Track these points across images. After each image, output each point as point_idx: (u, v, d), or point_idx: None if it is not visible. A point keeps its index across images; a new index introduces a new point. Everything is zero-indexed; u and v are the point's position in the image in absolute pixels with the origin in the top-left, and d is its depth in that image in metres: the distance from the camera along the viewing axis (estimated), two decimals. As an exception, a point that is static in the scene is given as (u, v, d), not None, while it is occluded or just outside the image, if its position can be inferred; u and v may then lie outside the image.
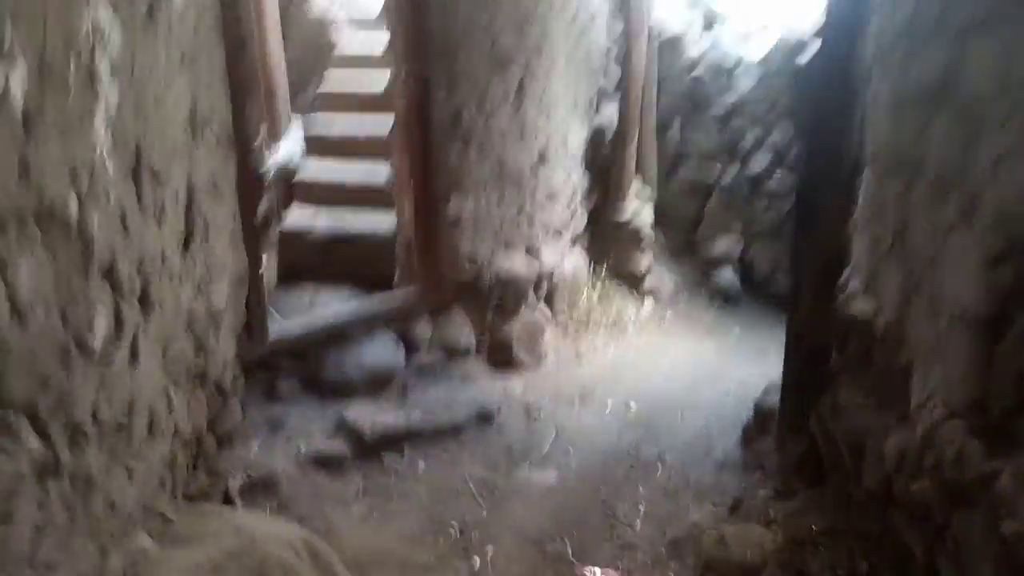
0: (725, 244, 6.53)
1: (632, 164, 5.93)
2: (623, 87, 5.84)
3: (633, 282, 6.11)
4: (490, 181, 4.64)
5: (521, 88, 4.73)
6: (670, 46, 6.30)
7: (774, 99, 6.14)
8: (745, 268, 6.50)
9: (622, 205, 5.99)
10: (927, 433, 2.11)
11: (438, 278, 4.49)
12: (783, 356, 3.30)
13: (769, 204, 6.40)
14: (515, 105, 4.74)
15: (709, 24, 6.51)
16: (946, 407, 2.08)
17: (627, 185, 5.97)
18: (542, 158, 5.07)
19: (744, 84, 6.26)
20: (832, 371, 2.92)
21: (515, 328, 4.81)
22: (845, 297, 2.79)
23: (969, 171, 2.04)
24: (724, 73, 6.25)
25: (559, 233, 5.41)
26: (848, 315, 2.83)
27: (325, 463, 3.52)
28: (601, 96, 5.94)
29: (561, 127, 5.26)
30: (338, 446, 3.57)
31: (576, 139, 5.52)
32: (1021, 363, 1.82)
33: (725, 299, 6.45)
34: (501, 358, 4.72)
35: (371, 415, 3.78)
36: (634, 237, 6.08)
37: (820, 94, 2.97)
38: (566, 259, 5.44)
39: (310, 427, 3.74)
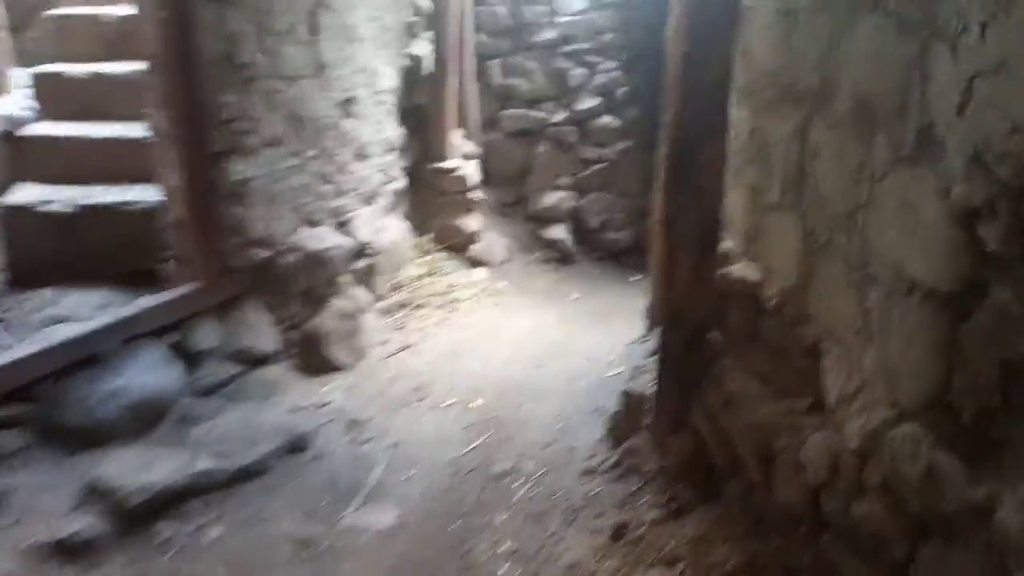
0: (555, 198, 6.02)
1: (453, 112, 5.13)
2: (436, 19, 4.95)
3: (462, 250, 5.35)
4: (283, 137, 3.63)
5: (316, 11, 3.73)
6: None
7: (604, 27, 5.75)
8: (578, 223, 6.05)
9: (444, 161, 5.15)
10: (867, 439, 1.75)
11: (221, 265, 3.46)
12: (658, 334, 2.77)
13: (600, 151, 5.92)
14: (310, 34, 3.73)
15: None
16: (892, 405, 1.68)
17: (448, 137, 5.17)
18: (348, 106, 4.13)
19: (570, 8, 5.67)
20: (714, 352, 2.56)
21: (327, 320, 3.93)
22: (722, 261, 2.49)
23: (918, 96, 1.58)
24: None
25: (373, 198, 4.53)
26: (728, 283, 2.48)
27: (70, 552, 2.48)
28: (411, 30, 5.02)
29: (368, 66, 4.32)
30: (88, 523, 2.55)
31: (387, 82, 4.63)
32: (1002, 347, 1.38)
33: (560, 259, 5.98)
34: (313, 361, 3.83)
35: (136, 469, 2.77)
36: (460, 197, 5.40)
37: (695, 9, 2.33)
38: (383, 230, 4.57)
39: (45, 501, 2.65)
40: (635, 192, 6.02)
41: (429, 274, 5.03)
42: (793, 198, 2.10)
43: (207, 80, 3.33)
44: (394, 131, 4.91)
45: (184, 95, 3.30)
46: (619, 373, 3.71)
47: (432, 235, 5.33)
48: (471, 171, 5.44)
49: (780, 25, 2.15)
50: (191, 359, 3.35)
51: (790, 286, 2.10)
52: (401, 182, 5.12)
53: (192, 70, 3.27)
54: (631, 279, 5.44)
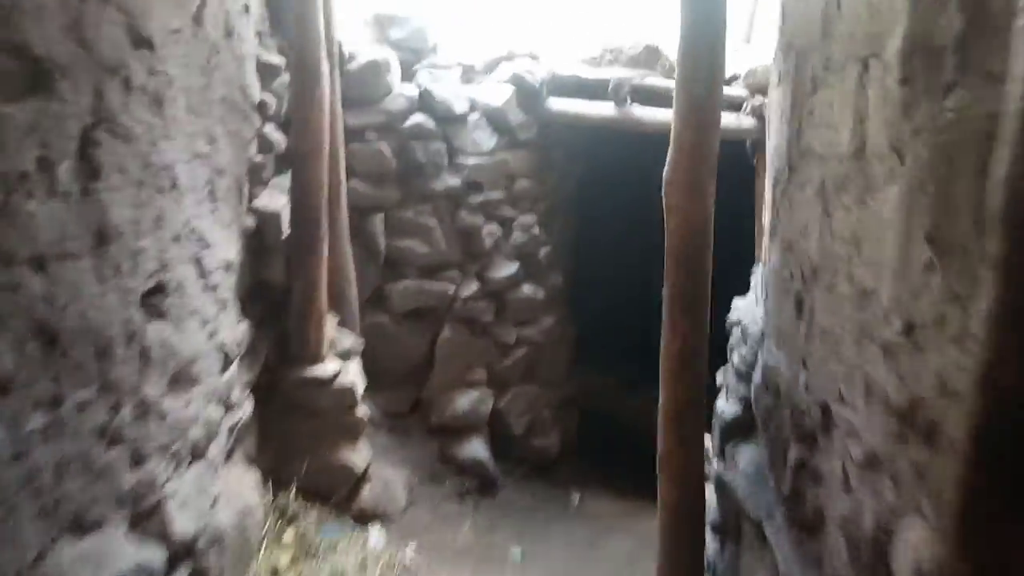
0: (468, 400, 4.64)
1: (323, 291, 3.61)
2: (294, 158, 3.48)
3: (346, 502, 3.60)
4: (20, 373, 1.70)
5: (92, 137, 1.92)
6: (361, 82, 4.19)
7: (517, 171, 4.68)
8: (498, 430, 4.76)
9: (314, 365, 3.60)
10: None
11: None
12: None
13: (521, 331, 4.83)
14: (82, 179, 1.90)
15: (414, 60, 4.56)
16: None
17: (319, 329, 3.61)
18: (155, 300, 2.34)
19: (477, 147, 4.50)
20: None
21: None
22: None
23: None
24: (445, 134, 4.44)
25: (200, 452, 2.66)
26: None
27: None
28: (258, 175, 3.39)
29: (192, 231, 2.55)
30: None
31: (222, 254, 2.93)
32: None
33: (480, 488, 4.50)
34: None
35: None
36: (340, 419, 3.73)
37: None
38: (219, 504, 2.61)
39: None
40: (561, 379, 5.17)
41: (295, 561, 3.00)
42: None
43: None
44: (234, 330, 3.08)
45: None
46: None
47: (298, 484, 3.46)
48: (354, 377, 3.72)
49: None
50: None
51: None
52: (246, 407, 3.21)
53: None
54: (572, 503, 4.58)
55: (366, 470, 3.79)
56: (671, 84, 2.57)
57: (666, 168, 2.48)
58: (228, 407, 3.11)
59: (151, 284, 2.46)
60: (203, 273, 2.85)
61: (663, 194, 2.50)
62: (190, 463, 2.74)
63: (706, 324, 2.57)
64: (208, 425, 2.86)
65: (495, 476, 4.55)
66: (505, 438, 4.79)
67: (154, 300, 2.50)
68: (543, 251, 4.95)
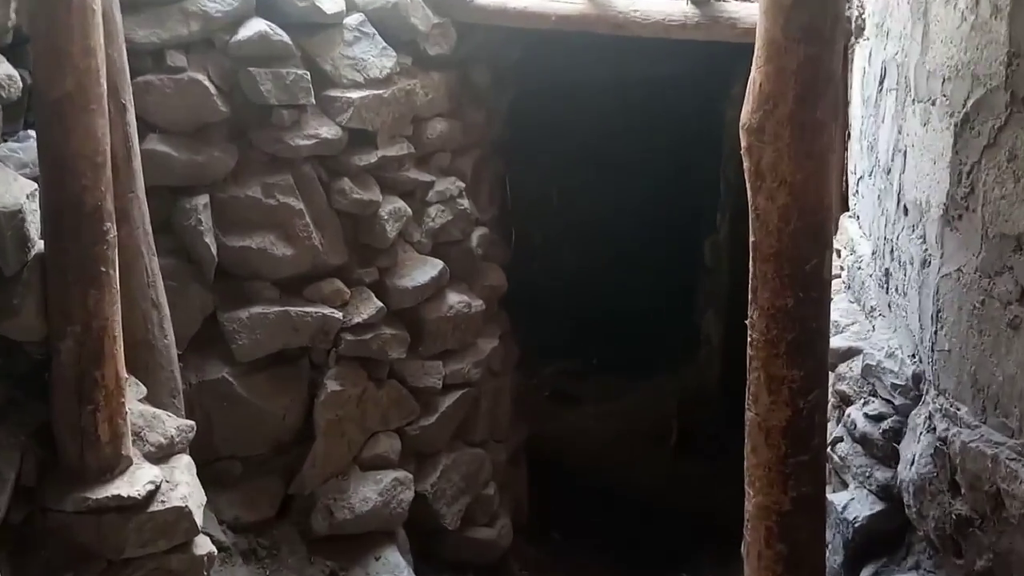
0: (371, 490, 4.45)
1: (113, 345, 3.17)
2: (40, 109, 3.08)
3: None
4: None
5: None
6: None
7: (432, 107, 4.58)
8: (423, 528, 4.69)
9: (106, 483, 3.16)
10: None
11: None
12: None
13: (449, 369, 4.76)
14: None
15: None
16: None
17: (111, 415, 3.15)
18: None
19: (365, 71, 4.27)
20: None
21: None
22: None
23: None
24: (307, 54, 4.20)
25: None
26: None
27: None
28: None
29: None
30: None
31: None
32: None
33: None
34: None
35: None
36: (164, 567, 3.21)
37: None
38: None
39: None
40: (508, 429, 5.22)
41: None
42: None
43: None
44: None
45: None
46: None
47: None
48: (184, 490, 3.24)
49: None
50: None
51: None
52: None
53: None
54: None
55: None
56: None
57: (747, 103, 2.23)
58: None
59: None
60: None
61: (743, 151, 2.25)
62: None
63: (827, 373, 2.39)
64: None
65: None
66: (433, 535, 4.63)
67: None
68: (476, 234, 4.81)
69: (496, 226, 5.07)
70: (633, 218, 7.21)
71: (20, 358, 3.08)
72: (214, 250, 4.01)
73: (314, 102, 4.14)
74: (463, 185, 4.69)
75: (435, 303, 4.54)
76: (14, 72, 3.12)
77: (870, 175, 3.10)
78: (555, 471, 5.79)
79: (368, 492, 4.30)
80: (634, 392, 7.12)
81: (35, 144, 3.08)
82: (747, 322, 2.35)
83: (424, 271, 4.48)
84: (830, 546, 2.73)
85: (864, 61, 3.30)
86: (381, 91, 4.23)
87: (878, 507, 2.62)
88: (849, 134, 3.54)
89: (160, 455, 3.30)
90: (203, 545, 3.26)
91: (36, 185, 3.03)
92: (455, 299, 4.62)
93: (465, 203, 4.70)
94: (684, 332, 7.06)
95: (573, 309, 7.06)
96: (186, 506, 3.16)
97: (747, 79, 2.25)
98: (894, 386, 2.59)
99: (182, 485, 3.25)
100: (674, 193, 7.07)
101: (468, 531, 4.75)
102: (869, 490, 2.67)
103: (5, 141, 3.20)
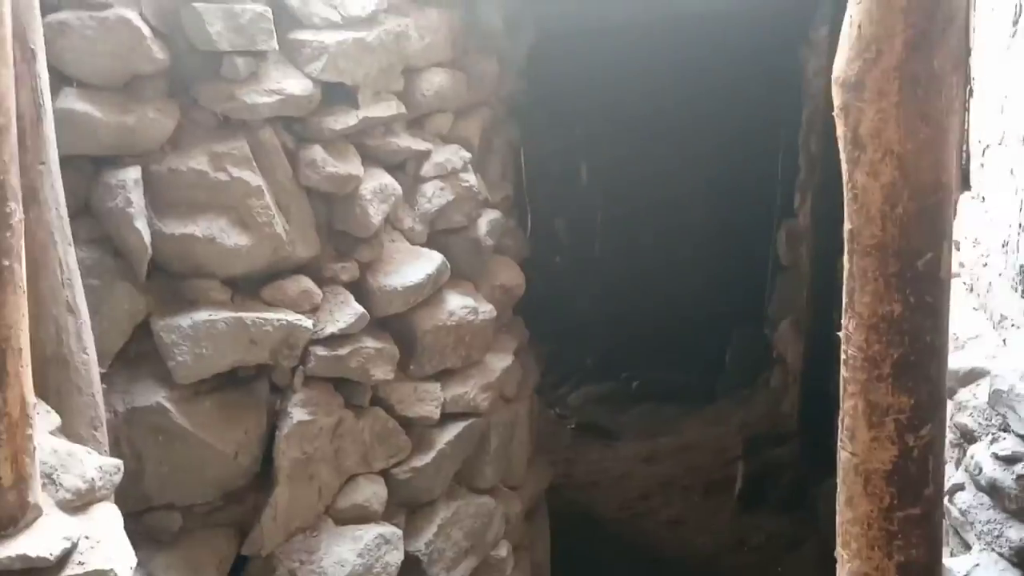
0: (349, 551, 4.42)
1: (18, 362, 3.18)
2: None
3: None
4: None
5: None
6: None
7: (428, 53, 4.64)
8: None
9: (13, 537, 3.13)
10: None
11: None
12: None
13: (448, 395, 4.79)
14: None
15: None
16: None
17: (13, 454, 3.15)
18: None
19: (342, 6, 4.35)
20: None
21: None
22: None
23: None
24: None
25: None
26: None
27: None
28: None
29: None
30: None
31: None
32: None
33: None
34: None
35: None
36: None
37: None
38: None
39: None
40: (523, 471, 5.31)
41: None
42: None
43: None
44: None
45: None
46: None
47: None
48: (114, 548, 3.24)
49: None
50: None
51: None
52: None
53: None
54: None
55: None
56: None
57: (841, 50, 2.24)
58: None
59: None
60: None
61: (836, 112, 2.26)
62: None
63: (944, 402, 2.46)
64: None
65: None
66: None
67: None
68: (485, 220, 4.83)
69: (510, 209, 5.01)
70: (684, 201, 7.18)
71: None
72: (147, 239, 3.97)
73: (277, 47, 4.12)
74: (468, 156, 4.68)
75: (431, 308, 4.54)
76: None
77: (1000, 144, 3.09)
78: (584, 527, 5.78)
79: (344, 553, 4.29)
80: (686, 425, 7.14)
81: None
82: (839, 334, 2.35)
83: (417, 267, 4.46)
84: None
85: (992, -2, 3.29)
86: (363, 33, 4.22)
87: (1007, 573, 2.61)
88: (971, 91, 3.53)
89: (78, 503, 3.29)
90: (132, 624, 3.30)
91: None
92: (457, 303, 4.60)
93: (471, 179, 4.67)
94: (751, 348, 7.05)
95: (608, 318, 7.03)
96: (111, 569, 3.14)
97: (836, 17, 2.23)
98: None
99: (105, 542, 3.22)
100: (737, 169, 7.04)
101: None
102: (999, 554, 2.64)
103: None
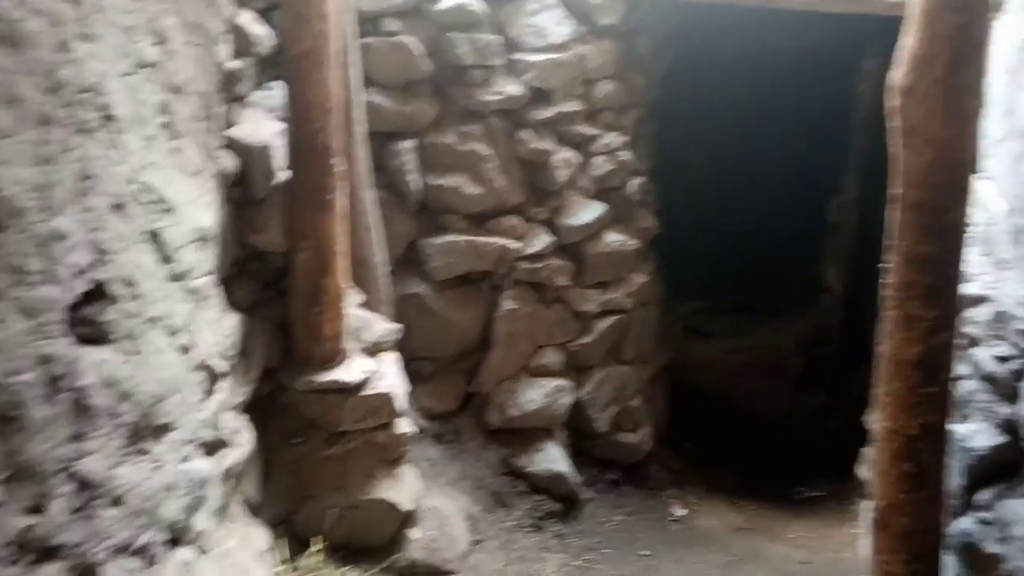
0: (540, 392, 4.29)
1: (338, 260, 3.14)
2: (287, 63, 3.04)
3: (386, 553, 3.16)
4: None
5: None
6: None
7: (598, 71, 4.35)
8: (579, 428, 4.53)
9: (334, 366, 3.19)
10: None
11: None
12: None
13: (607, 296, 4.55)
14: None
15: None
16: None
17: (334, 317, 3.17)
18: (88, 312, 1.74)
19: (542, 39, 4.11)
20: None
21: None
22: None
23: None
24: (499, 21, 4.04)
25: (180, 533, 2.17)
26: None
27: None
28: (229, 90, 2.94)
29: (140, 193, 1.89)
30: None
31: (191, 219, 2.41)
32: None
33: (561, 511, 4.13)
34: None
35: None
36: (372, 441, 3.23)
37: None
38: None
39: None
40: (651, 352, 4.98)
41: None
42: None
43: None
44: (218, 331, 2.58)
45: None
46: None
47: (322, 537, 2.97)
48: (391, 380, 3.28)
49: None
50: None
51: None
52: (244, 440, 2.70)
53: None
54: (673, 518, 4.46)
55: (413, 512, 3.22)
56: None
57: (899, 66, 2.12)
58: (217, 448, 2.46)
59: (81, 290, 1.75)
60: (165, 255, 2.17)
61: (892, 110, 2.12)
62: (167, 552, 2.08)
63: (955, 314, 2.29)
64: (191, 487, 2.22)
65: (578, 492, 4.17)
66: (586, 436, 4.50)
67: (89, 314, 1.79)
68: (633, 183, 4.58)
69: (650, 177, 4.88)
70: (766, 178, 6.92)
71: (265, 265, 3.11)
72: (415, 188, 4.00)
73: (502, 63, 4.04)
74: (624, 140, 4.55)
75: (596, 240, 4.45)
76: (265, 30, 3.12)
77: (1002, 140, 2.88)
78: (689, 392, 5.68)
79: (534, 395, 4.26)
80: (759, 331, 6.94)
81: (281, 92, 3.09)
82: (884, 267, 2.23)
83: (588, 212, 4.38)
84: (953, 473, 2.60)
85: (1004, 33, 3.04)
86: (558, 55, 4.11)
87: (999, 439, 2.48)
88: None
89: (372, 351, 3.37)
90: (404, 425, 3.31)
91: (282, 126, 3.04)
92: (613, 238, 4.51)
93: (625, 156, 4.55)
94: (807, 281, 6.81)
95: (710, 254, 6.90)
96: (391, 392, 3.23)
97: (881, 54, 2.11)
98: (1021, 332, 2.43)
99: (389, 376, 3.31)
100: (804, 157, 6.77)
101: (616, 435, 4.66)
102: (992, 424, 2.51)
103: (259, 90, 3.16)
